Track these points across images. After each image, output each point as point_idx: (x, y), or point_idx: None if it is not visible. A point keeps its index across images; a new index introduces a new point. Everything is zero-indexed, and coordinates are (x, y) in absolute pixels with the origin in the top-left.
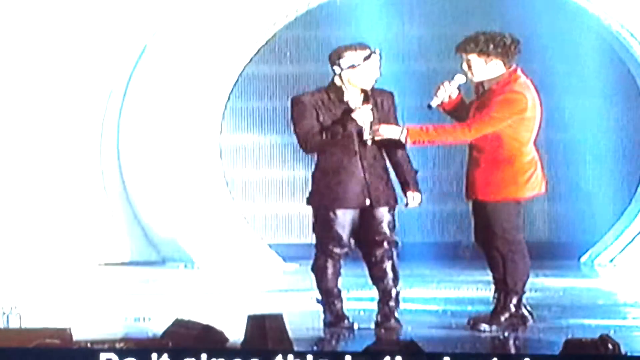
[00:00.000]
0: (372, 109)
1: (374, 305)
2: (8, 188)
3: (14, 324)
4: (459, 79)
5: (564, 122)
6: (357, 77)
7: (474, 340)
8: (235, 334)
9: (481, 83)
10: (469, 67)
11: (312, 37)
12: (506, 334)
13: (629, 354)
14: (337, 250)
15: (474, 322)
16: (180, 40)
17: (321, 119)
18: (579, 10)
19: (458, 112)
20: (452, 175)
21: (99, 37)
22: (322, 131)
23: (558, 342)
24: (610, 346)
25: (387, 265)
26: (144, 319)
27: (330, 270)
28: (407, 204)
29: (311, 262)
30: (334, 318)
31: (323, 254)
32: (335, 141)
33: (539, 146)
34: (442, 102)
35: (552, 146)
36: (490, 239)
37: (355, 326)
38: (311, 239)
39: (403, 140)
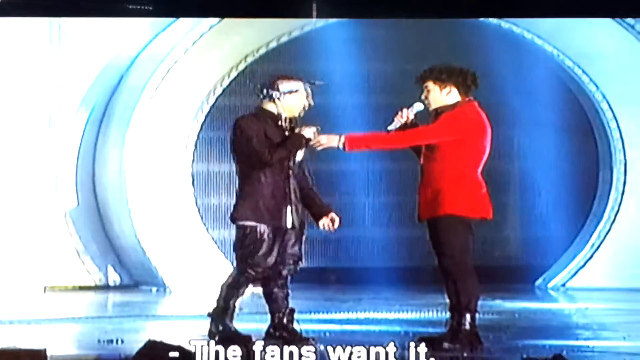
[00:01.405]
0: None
1: (336, 327)
2: None
3: None
4: (417, 106)
5: (519, 151)
6: (290, 104)
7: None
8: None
9: (435, 110)
10: (427, 95)
11: (282, 70)
12: (465, 354)
13: None
14: (258, 270)
15: (437, 342)
16: (156, 71)
17: (265, 139)
18: (534, 47)
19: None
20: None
21: (70, 60)
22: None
23: None
24: None
25: (287, 283)
26: (116, 340)
27: (242, 290)
28: (326, 229)
29: (226, 280)
30: (225, 334)
31: (242, 276)
32: (273, 145)
33: (496, 174)
34: (399, 128)
35: (508, 175)
36: (440, 259)
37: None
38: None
39: (342, 147)
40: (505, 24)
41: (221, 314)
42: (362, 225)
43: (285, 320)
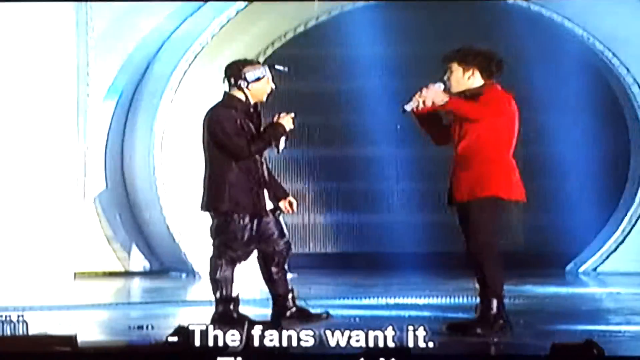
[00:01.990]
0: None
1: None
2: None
3: (20, 332)
4: (437, 86)
5: (549, 136)
6: (258, 91)
7: (464, 345)
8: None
9: (458, 94)
10: (450, 76)
11: (309, 55)
12: (495, 338)
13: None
14: (238, 253)
15: (468, 327)
16: (183, 57)
17: (239, 129)
18: (564, 30)
19: (429, 120)
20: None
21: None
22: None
23: (545, 347)
24: (594, 350)
25: (285, 265)
26: (146, 327)
27: (230, 277)
28: (286, 212)
29: (211, 271)
30: (231, 320)
31: (223, 259)
32: (253, 136)
33: (527, 158)
34: (416, 108)
35: (538, 159)
36: (471, 241)
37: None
38: (308, 248)
39: (444, 103)
40: (534, 6)
41: (225, 304)
42: (391, 210)
43: (290, 302)
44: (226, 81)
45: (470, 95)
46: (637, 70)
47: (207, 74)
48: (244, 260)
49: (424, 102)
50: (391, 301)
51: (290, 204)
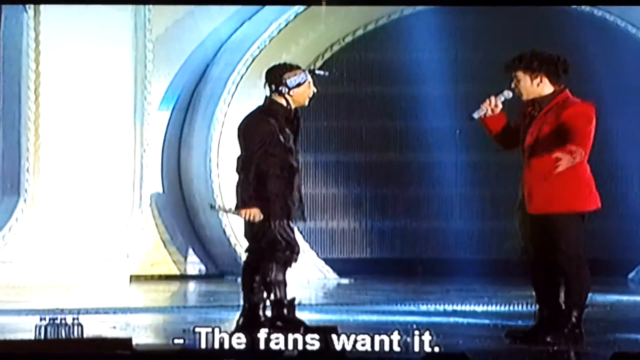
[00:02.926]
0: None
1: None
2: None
3: (76, 335)
4: (506, 94)
5: (613, 143)
6: (300, 96)
7: (523, 353)
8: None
9: (531, 101)
10: (517, 84)
11: (368, 59)
12: (555, 347)
13: None
14: (290, 257)
15: (539, 336)
16: (242, 60)
17: (277, 138)
18: (628, 35)
19: (498, 128)
20: (503, 194)
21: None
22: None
23: (605, 356)
24: None
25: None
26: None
27: (283, 279)
28: None
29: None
30: (288, 324)
31: (278, 262)
32: (286, 158)
33: (592, 165)
34: (484, 116)
35: (602, 166)
36: (555, 254)
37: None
38: (365, 253)
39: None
40: (598, 11)
41: (281, 307)
42: (449, 216)
43: (286, 310)
44: (267, 86)
45: (541, 105)
46: None
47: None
48: (294, 262)
49: (492, 110)
50: (449, 308)
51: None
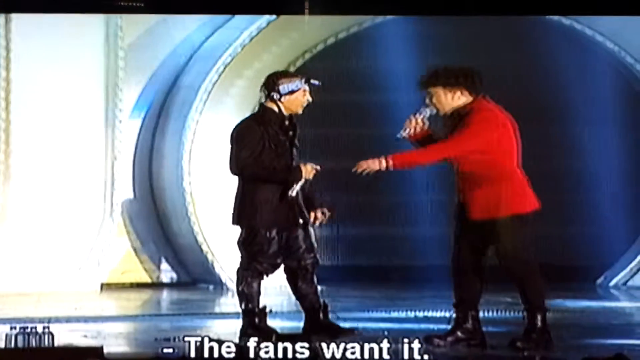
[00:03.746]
0: (294, 134)
1: (397, 326)
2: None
3: (46, 343)
4: (427, 111)
5: (581, 149)
6: (292, 103)
7: (495, 359)
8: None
9: (450, 114)
10: (432, 99)
11: (340, 67)
12: (526, 353)
13: None
14: (264, 265)
15: (511, 341)
16: (213, 68)
17: (266, 144)
18: (595, 44)
19: (423, 143)
20: None
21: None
22: (264, 158)
23: None
24: None
25: (314, 278)
26: (174, 338)
27: (256, 289)
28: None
29: (238, 283)
30: (259, 333)
31: (252, 272)
32: (275, 165)
33: (558, 172)
34: (410, 134)
35: (569, 172)
36: (503, 261)
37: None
38: (338, 260)
39: (388, 168)
40: (566, 20)
41: (252, 317)
42: (423, 223)
43: (321, 315)
44: (262, 92)
45: (461, 115)
46: None
47: (237, 86)
48: (271, 273)
49: (416, 128)
50: (422, 314)
51: (317, 216)
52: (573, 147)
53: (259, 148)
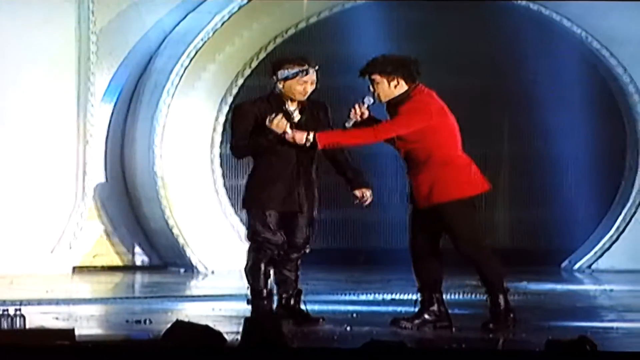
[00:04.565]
0: (305, 119)
1: (364, 308)
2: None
3: (18, 326)
4: (368, 100)
5: (546, 134)
6: (290, 89)
7: (460, 340)
8: (233, 335)
9: (388, 102)
10: (375, 87)
11: (309, 52)
12: (490, 334)
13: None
14: (272, 249)
15: (484, 324)
16: (185, 52)
17: (263, 124)
18: (563, 29)
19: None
20: None
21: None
22: (256, 138)
23: (540, 343)
24: (588, 346)
25: (298, 265)
26: (144, 321)
27: (262, 271)
28: (358, 201)
29: (246, 263)
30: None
31: (259, 253)
32: (274, 147)
33: (522, 156)
34: (355, 123)
35: (534, 157)
36: (457, 244)
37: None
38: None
39: (312, 145)
40: (533, 5)
41: (258, 299)
42: (390, 206)
43: (292, 302)
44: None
45: (397, 102)
46: (634, 70)
47: (209, 69)
48: (275, 253)
49: (360, 116)
50: (389, 297)
51: (364, 194)
52: (539, 131)
53: (249, 127)
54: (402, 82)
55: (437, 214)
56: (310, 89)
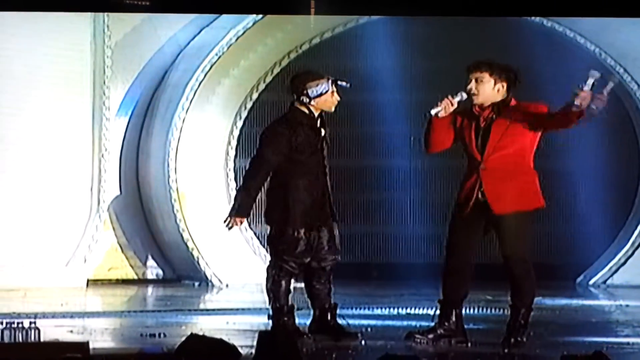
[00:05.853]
0: (326, 133)
1: (379, 322)
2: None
3: (33, 338)
4: (462, 95)
5: (561, 149)
6: (325, 104)
7: (474, 356)
8: (247, 349)
9: (489, 106)
10: (477, 85)
11: (322, 67)
12: (505, 350)
13: None
14: (294, 264)
15: (504, 340)
16: (200, 66)
17: (294, 147)
18: (576, 46)
19: (442, 128)
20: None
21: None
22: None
23: (555, 358)
24: None
25: (330, 278)
26: (159, 334)
27: (284, 287)
28: None
29: (267, 281)
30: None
31: (281, 271)
32: (306, 165)
33: (538, 171)
34: (441, 115)
35: (550, 172)
36: (506, 255)
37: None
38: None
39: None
40: (547, 22)
41: (280, 315)
42: (404, 221)
43: (329, 316)
44: (292, 95)
45: (498, 109)
46: None
47: (224, 84)
48: (299, 272)
49: (446, 110)
50: (403, 311)
51: None
52: (553, 147)
53: (285, 148)
54: (504, 88)
55: (508, 222)
56: (336, 100)
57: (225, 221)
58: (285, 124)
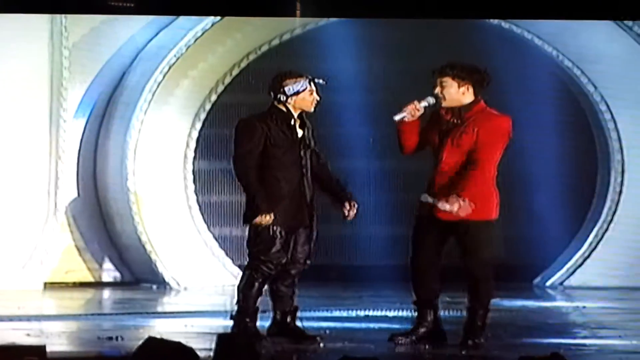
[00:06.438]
0: (305, 134)
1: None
2: None
3: None
4: (429, 100)
5: (518, 151)
6: (303, 103)
7: (433, 357)
8: (206, 352)
9: (451, 109)
10: (442, 90)
11: (284, 68)
12: (463, 352)
13: None
14: (271, 266)
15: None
16: (158, 68)
17: (270, 142)
18: (534, 47)
19: (411, 133)
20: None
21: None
22: (265, 155)
23: (513, 359)
24: None
25: (295, 281)
26: (116, 337)
27: (255, 289)
28: (346, 217)
29: (240, 280)
30: (249, 335)
31: (257, 272)
32: (282, 164)
33: (497, 172)
34: (406, 120)
35: (506, 173)
36: (469, 260)
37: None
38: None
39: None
40: (505, 23)
41: (243, 316)
42: (363, 222)
43: (289, 319)
44: (269, 94)
45: (461, 113)
46: (605, 88)
47: (182, 86)
48: (275, 273)
49: (412, 114)
50: (362, 313)
51: (352, 207)
52: (510, 148)
53: (258, 143)
54: (470, 91)
55: (465, 229)
56: (315, 99)
57: (255, 224)
58: (261, 119)
